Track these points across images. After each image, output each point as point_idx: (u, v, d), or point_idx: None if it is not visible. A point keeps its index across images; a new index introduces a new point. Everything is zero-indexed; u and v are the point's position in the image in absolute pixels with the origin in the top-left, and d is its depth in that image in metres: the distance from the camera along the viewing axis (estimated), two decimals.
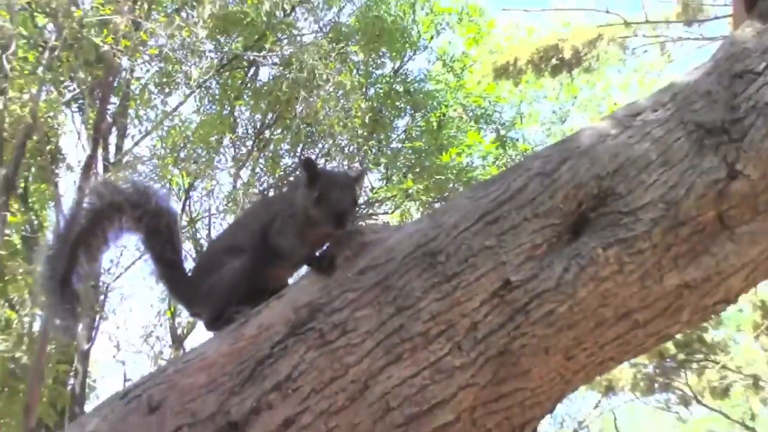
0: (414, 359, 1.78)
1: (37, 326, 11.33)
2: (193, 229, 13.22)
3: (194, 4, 11.24)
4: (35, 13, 10.96)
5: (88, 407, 10.91)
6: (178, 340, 13.11)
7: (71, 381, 11.86)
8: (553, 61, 10.35)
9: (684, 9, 9.84)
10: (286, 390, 1.76)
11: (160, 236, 2.36)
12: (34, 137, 11.02)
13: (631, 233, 1.83)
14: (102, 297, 12.79)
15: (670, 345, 11.08)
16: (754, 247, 1.83)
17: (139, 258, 12.43)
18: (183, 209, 12.86)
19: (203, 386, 1.77)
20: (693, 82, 1.99)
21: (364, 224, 2.05)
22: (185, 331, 13.24)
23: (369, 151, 12.97)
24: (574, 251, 1.84)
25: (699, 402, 12.73)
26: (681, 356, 11.56)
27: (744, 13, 2.24)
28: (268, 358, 1.81)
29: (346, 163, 12.81)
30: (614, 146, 1.92)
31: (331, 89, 11.39)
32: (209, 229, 13.10)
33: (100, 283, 12.41)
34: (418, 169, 12.05)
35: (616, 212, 1.86)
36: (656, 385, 12.25)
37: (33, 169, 12.46)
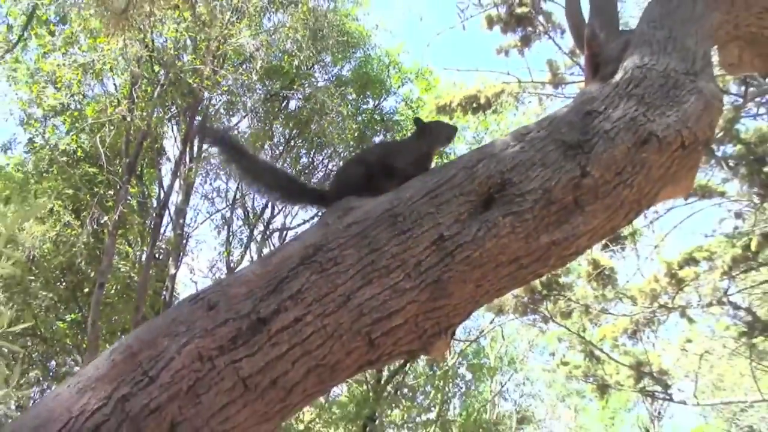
0: (380, 282, 2.45)
1: (144, 257, 17.78)
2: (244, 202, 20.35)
3: (252, 59, 17.00)
4: (153, 62, 16.62)
5: None
6: (230, 270, 19.14)
7: (164, 293, 17.92)
8: (474, 104, 13.12)
9: (553, 77, 13.84)
10: (297, 299, 2.39)
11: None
12: (148, 140, 17.04)
13: (520, 208, 2.57)
14: (184, 241, 18.86)
15: (538, 284, 15.57)
16: (594, 219, 2.63)
17: (207, 219, 20.52)
18: (236, 192, 20.20)
19: (244, 294, 2.40)
20: (561, 115, 2.85)
21: (347, 199, 2.83)
22: (235, 264, 19.55)
23: None
24: (484, 218, 2.57)
25: (553, 321, 17.07)
26: (544, 291, 15.86)
27: (591, 77, 3.21)
28: (285, 278, 2.43)
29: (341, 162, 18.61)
30: (513, 152, 2.72)
31: (334, 116, 17.59)
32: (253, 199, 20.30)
33: (183, 231, 18.64)
34: None
35: (512, 194, 2.61)
36: (528, 309, 16.47)
37: (146, 159, 18.84)
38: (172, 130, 19.20)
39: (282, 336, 2.36)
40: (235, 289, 2.46)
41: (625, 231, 16.42)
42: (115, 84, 17.38)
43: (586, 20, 3.93)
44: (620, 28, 3.91)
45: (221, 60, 17.57)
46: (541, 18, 13.58)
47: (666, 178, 2.77)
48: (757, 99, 15.15)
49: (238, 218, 20.36)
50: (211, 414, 2.24)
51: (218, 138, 3.19)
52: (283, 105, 19.61)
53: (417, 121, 3.31)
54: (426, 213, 2.60)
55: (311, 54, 17.97)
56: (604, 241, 16.95)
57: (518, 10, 13.33)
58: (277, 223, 20.54)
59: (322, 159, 20.39)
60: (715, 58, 4.17)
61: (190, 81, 15.66)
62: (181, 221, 18.11)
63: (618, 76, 3.02)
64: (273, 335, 2.35)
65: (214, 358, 2.28)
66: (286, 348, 2.35)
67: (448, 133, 3.32)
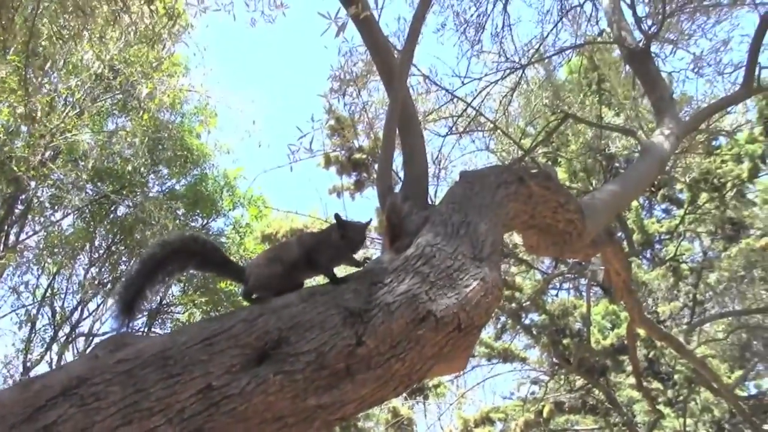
0: (140, 425, 2.36)
1: None
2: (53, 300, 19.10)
3: (85, 157, 16.77)
4: None
5: None
6: (25, 369, 18.39)
7: None
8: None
9: (380, 226, 14.03)
10: (50, 431, 2.27)
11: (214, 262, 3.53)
12: None
13: (292, 368, 2.60)
14: None
15: (338, 429, 14.30)
16: (363, 389, 2.68)
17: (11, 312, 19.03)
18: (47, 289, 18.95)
19: None
20: (349, 282, 3.03)
21: (123, 334, 2.79)
22: (32, 364, 18.57)
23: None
24: (255, 372, 2.57)
25: None
26: None
27: (388, 246, 3.37)
28: (42, 407, 2.31)
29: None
30: (295, 311, 2.78)
31: (159, 228, 16.69)
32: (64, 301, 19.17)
33: None
34: (204, 289, 17.75)
35: (287, 353, 2.64)
36: None
37: None
38: None
39: None
40: None
41: (431, 383, 16.78)
42: None
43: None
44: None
45: (53, 152, 17.06)
46: (376, 166, 14.17)
47: (439, 357, 2.90)
48: (565, 276, 16.19)
49: (43, 315, 19.27)
50: None
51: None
52: (110, 208, 19.03)
53: (337, 217, 3.44)
54: (198, 360, 2.57)
55: (147, 162, 17.84)
56: (407, 392, 17.28)
57: (356, 156, 13.85)
58: (85, 327, 19.58)
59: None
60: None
61: (16, 168, 15.03)
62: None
63: (410, 251, 3.18)
64: None
65: None
66: None
67: (362, 236, 3.48)
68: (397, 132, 4.49)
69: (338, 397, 2.67)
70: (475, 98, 11.06)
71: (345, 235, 3.39)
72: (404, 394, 17.12)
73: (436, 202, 4.13)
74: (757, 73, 8.44)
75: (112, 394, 2.44)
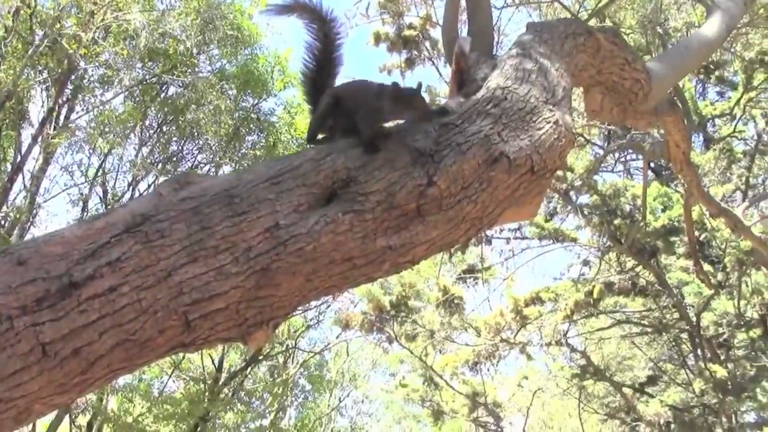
0: (205, 262, 2.34)
1: None
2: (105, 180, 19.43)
3: (136, 36, 16.43)
4: (33, 20, 15.62)
5: None
6: None
7: None
8: None
9: (432, 103, 12.81)
10: (115, 267, 2.24)
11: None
12: (12, 100, 16.02)
13: (362, 207, 2.54)
14: (34, 210, 17.88)
15: (387, 303, 16.07)
16: (434, 230, 2.62)
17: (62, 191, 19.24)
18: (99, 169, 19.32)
19: (59, 254, 2.24)
20: (419, 123, 2.93)
21: (187, 172, 2.72)
22: None
23: (227, 152, 19.05)
24: (324, 212, 2.51)
25: (398, 342, 17.69)
26: (392, 312, 16.24)
27: (455, 92, 3.24)
28: (107, 244, 2.28)
29: (213, 158, 19.50)
30: (361, 152, 2.72)
31: (212, 108, 17.30)
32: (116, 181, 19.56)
33: (35, 201, 17.71)
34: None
35: (356, 192, 2.57)
36: (375, 328, 16.96)
37: (7, 121, 17.49)
38: (41, 95, 18.09)
39: (93, 303, 2.20)
40: (49, 248, 2.29)
41: (480, 265, 16.85)
42: None
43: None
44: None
45: (104, 31, 16.98)
46: (427, 44, 13.82)
47: (511, 200, 2.81)
48: (616, 154, 15.90)
49: (95, 195, 19.58)
50: (1, 378, 2.06)
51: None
52: (161, 88, 19.17)
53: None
54: (265, 198, 2.51)
55: (198, 42, 17.66)
56: (459, 272, 17.36)
57: (406, 32, 13.49)
58: None
59: (192, 149, 20.01)
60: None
61: (68, 46, 14.98)
62: (33, 189, 17.20)
63: (480, 94, 3.06)
64: (83, 302, 2.19)
65: (14, 318, 2.10)
66: (95, 317, 2.19)
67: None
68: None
69: (408, 238, 2.61)
70: None
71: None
72: (456, 275, 17.23)
73: None
74: None
75: (177, 231, 2.39)
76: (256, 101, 19.46)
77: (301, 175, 2.60)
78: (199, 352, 2.38)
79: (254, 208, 2.49)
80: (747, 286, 16.00)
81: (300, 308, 2.66)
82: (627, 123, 6.01)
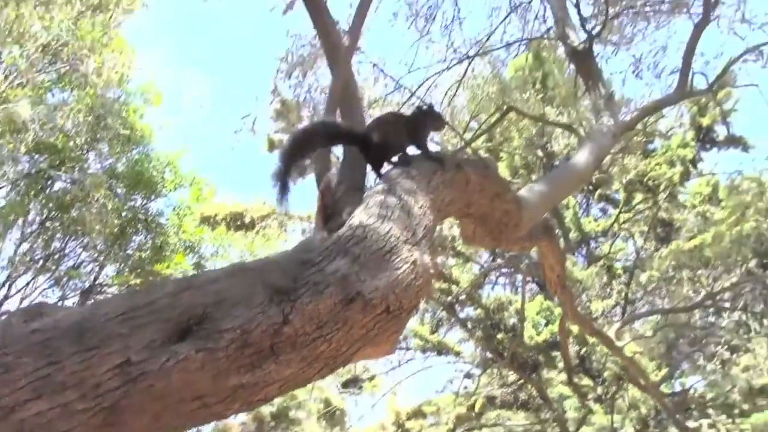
0: (51, 399, 2.23)
1: None
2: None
3: (24, 129, 16.12)
4: None
5: None
6: None
7: None
8: (239, 222, 14.01)
9: None
10: None
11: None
12: None
13: (215, 345, 2.51)
14: None
15: (267, 414, 15.83)
16: (288, 369, 2.62)
17: None
18: None
19: None
20: (279, 259, 2.96)
21: (40, 303, 2.66)
22: None
23: (111, 252, 18.64)
24: (176, 349, 2.47)
25: None
26: (273, 423, 15.99)
27: (321, 227, 3.32)
28: None
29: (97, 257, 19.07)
30: (221, 287, 2.69)
31: (99, 205, 17.04)
32: None
33: None
34: (139, 270, 17.73)
35: (210, 330, 2.55)
36: None
37: None
38: None
39: None
40: None
41: (365, 375, 16.82)
42: None
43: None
44: None
45: None
46: None
47: (366, 339, 2.85)
48: (502, 270, 16.35)
49: None
50: None
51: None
52: (47, 183, 18.53)
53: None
54: (117, 333, 2.45)
55: (89, 139, 17.42)
56: (342, 381, 17.25)
57: None
58: (12, 305, 19.04)
59: (75, 247, 19.36)
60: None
61: None
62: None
63: (342, 231, 3.12)
64: None
65: None
66: None
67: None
68: (339, 112, 4.44)
69: (261, 377, 2.60)
70: (419, 87, 11.09)
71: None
72: (338, 386, 17.10)
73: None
74: (690, 77, 8.75)
75: (23, 365, 2.30)
76: (144, 201, 19.15)
77: (156, 311, 2.56)
78: None
79: (105, 343, 2.42)
80: (624, 400, 16.43)
81: None
82: (501, 248, 6.23)
